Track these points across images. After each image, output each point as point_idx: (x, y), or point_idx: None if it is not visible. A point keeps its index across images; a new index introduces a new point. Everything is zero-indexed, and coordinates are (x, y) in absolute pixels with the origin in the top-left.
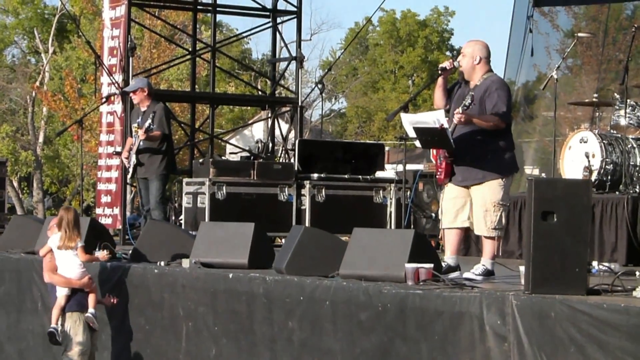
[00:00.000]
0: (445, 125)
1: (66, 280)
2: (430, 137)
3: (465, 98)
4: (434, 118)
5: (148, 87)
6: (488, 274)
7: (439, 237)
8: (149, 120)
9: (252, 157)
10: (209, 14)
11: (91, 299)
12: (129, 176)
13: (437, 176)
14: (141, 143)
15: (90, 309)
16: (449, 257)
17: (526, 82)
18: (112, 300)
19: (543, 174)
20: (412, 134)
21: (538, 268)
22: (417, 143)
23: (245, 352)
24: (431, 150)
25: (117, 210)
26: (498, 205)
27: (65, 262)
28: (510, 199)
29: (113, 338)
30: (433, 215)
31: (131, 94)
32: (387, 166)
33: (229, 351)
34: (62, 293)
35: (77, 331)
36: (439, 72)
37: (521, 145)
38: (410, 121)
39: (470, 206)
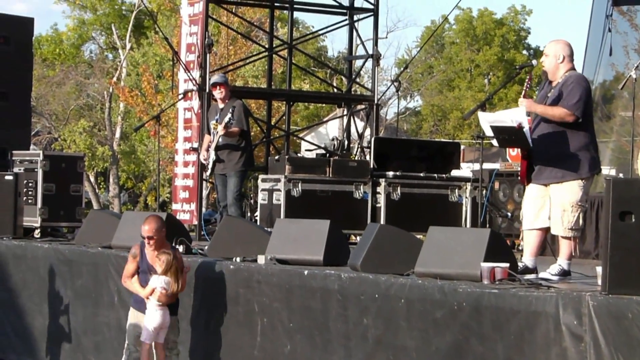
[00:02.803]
0: (523, 124)
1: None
2: (508, 135)
3: (546, 97)
4: (512, 117)
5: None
6: (564, 274)
7: (519, 237)
8: (229, 115)
9: (327, 155)
10: (285, 11)
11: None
12: (207, 173)
13: (518, 177)
14: (220, 140)
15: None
16: (527, 259)
17: (604, 82)
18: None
19: (620, 174)
20: (489, 132)
21: (615, 268)
22: (494, 142)
23: (319, 349)
24: (507, 149)
25: (193, 206)
26: (576, 206)
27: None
28: (588, 199)
29: (188, 333)
30: (509, 214)
31: (218, 87)
32: (462, 165)
33: (303, 347)
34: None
35: None
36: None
37: (598, 145)
38: (487, 120)
39: (549, 205)
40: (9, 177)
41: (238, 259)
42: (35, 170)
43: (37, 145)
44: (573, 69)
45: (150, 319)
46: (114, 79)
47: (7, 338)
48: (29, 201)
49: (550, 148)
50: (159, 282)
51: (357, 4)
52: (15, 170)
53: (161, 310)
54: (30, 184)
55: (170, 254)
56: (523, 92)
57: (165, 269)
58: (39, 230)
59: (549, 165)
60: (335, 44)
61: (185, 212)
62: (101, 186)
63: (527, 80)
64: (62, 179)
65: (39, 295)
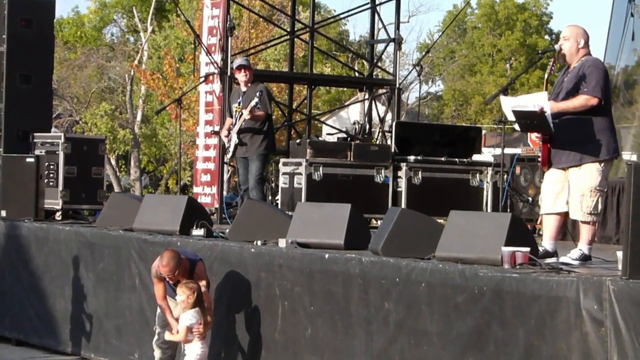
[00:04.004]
0: (545, 109)
1: (173, 321)
2: (530, 120)
3: (562, 82)
4: (534, 101)
5: None
6: (585, 258)
7: (537, 221)
8: (256, 99)
9: (349, 139)
10: None
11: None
12: (228, 156)
13: (538, 162)
14: (243, 123)
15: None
16: (547, 243)
17: (626, 67)
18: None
19: None
20: (511, 117)
21: (636, 254)
22: (516, 126)
23: (340, 333)
24: (528, 134)
25: (215, 189)
26: (595, 191)
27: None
28: (608, 184)
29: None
30: (530, 199)
31: (243, 70)
32: (484, 149)
33: (324, 331)
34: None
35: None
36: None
37: (620, 130)
38: (509, 104)
39: (568, 190)
40: (31, 160)
41: (259, 243)
42: (57, 152)
43: (58, 128)
44: (589, 54)
45: (192, 354)
46: (136, 62)
47: (29, 321)
48: (51, 183)
49: (569, 132)
50: (189, 319)
51: None
52: (37, 152)
53: (200, 342)
54: (51, 167)
55: (190, 287)
56: (547, 74)
57: (192, 304)
58: (60, 212)
59: (567, 148)
60: (357, 28)
61: (206, 195)
62: (122, 169)
63: (551, 63)
64: (84, 162)
65: (61, 279)
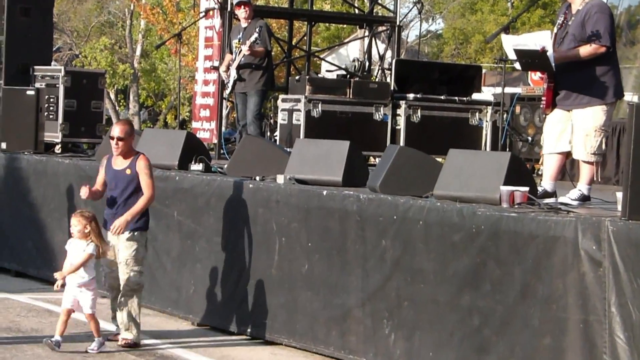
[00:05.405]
0: (547, 48)
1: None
2: (531, 59)
3: (567, 25)
4: (536, 40)
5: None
6: (584, 199)
7: (539, 161)
8: (256, 35)
9: (348, 76)
10: None
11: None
12: (227, 91)
13: (542, 104)
14: (242, 59)
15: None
16: (547, 183)
17: (629, 7)
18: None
19: None
20: (512, 55)
21: (636, 194)
22: (517, 65)
23: (337, 269)
24: (529, 73)
25: (213, 125)
26: (600, 131)
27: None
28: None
29: (207, 251)
30: (529, 139)
31: (242, 6)
32: (483, 88)
33: (320, 268)
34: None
35: None
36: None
37: (621, 71)
38: (511, 43)
39: (571, 130)
40: (31, 93)
41: (257, 178)
42: (57, 86)
43: (58, 61)
44: None
45: (86, 298)
46: None
47: (27, 252)
48: (50, 117)
49: (576, 74)
50: (92, 249)
51: None
52: (37, 85)
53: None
54: (51, 100)
55: (87, 217)
56: (556, 28)
57: (89, 235)
58: (59, 145)
59: (575, 91)
60: None
61: (205, 130)
62: (121, 104)
63: (560, 20)
64: (83, 95)
65: (59, 211)
